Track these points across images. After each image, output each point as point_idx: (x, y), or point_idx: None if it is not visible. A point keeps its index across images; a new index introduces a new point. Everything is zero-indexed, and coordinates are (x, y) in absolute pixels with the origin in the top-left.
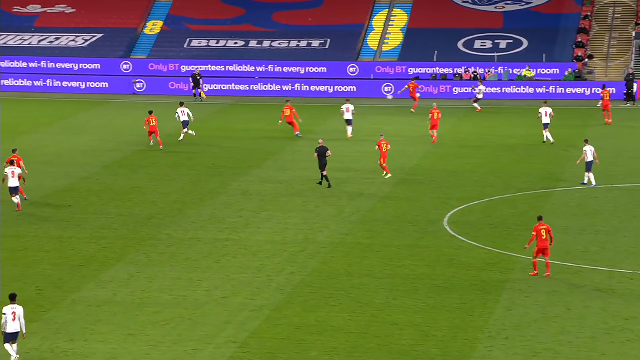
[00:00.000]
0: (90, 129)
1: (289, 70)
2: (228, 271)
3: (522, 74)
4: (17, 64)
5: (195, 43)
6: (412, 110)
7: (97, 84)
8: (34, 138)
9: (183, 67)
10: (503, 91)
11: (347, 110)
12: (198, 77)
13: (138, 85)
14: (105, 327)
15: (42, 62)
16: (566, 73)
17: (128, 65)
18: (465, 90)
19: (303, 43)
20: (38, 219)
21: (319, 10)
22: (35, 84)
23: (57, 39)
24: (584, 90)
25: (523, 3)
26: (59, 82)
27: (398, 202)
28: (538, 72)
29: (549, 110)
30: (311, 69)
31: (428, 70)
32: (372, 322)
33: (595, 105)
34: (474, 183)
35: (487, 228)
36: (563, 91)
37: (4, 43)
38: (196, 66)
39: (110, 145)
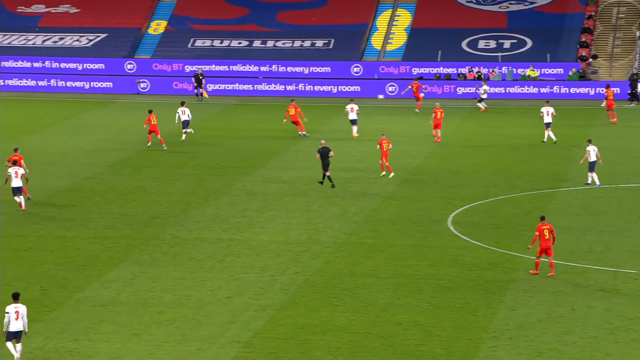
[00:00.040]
0: (94, 129)
1: (293, 71)
2: (232, 271)
3: (526, 74)
4: (21, 64)
5: (199, 43)
6: (416, 110)
7: (102, 84)
8: (38, 138)
9: (187, 67)
10: (507, 91)
11: (352, 111)
12: (201, 77)
13: (142, 85)
14: (110, 327)
15: (46, 62)
16: (570, 73)
17: (132, 65)
18: (470, 90)
19: (307, 43)
20: (42, 218)
21: (323, 10)
22: (40, 84)
23: (61, 39)
24: (588, 90)
25: (527, 3)
26: (63, 82)
27: (402, 202)
28: (542, 72)
29: (551, 109)
30: (315, 69)
31: (432, 70)
32: (376, 322)
33: (599, 105)
34: (478, 183)
35: (491, 228)
36: (567, 91)
37: (9, 43)
38: (199, 66)
39: (114, 145)
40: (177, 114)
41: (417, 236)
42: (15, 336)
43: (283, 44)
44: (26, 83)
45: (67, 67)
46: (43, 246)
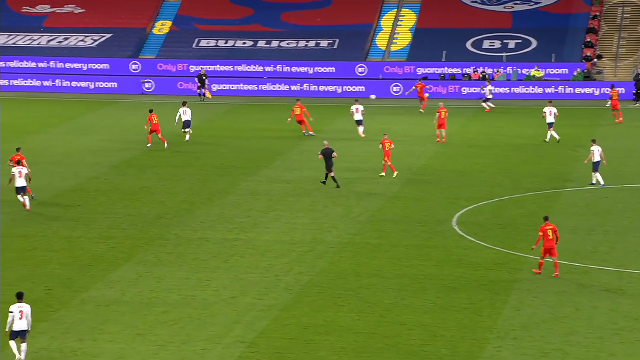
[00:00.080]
0: (99, 129)
1: (298, 71)
2: (236, 271)
3: (531, 74)
4: (26, 64)
5: (204, 43)
6: (421, 110)
7: (106, 84)
8: (42, 138)
9: (192, 67)
10: (512, 91)
11: (357, 111)
12: (204, 77)
13: (147, 85)
14: (114, 327)
15: (51, 62)
16: (575, 73)
17: (137, 65)
18: (474, 90)
19: (312, 43)
20: (47, 218)
21: (328, 10)
22: (45, 84)
23: (66, 39)
24: (592, 90)
25: (532, 3)
26: (68, 82)
27: (406, 202)
28: (547, 72)
29: (554, 109)
30: (320, 69)
31: (437, 70)
32: (380, 322)
33: (604, 106)
34: (483, 183)
35: (495, 228)
36: (572, 91)
37: (14, 43)
38: (203, 66)
39: (119, 145)
40: (177, 114)
41: (422, 236)
42: (19, 335)
43: (287, 44)
44: (31, 83)
45: (71, 67)
46: (48, 246)
